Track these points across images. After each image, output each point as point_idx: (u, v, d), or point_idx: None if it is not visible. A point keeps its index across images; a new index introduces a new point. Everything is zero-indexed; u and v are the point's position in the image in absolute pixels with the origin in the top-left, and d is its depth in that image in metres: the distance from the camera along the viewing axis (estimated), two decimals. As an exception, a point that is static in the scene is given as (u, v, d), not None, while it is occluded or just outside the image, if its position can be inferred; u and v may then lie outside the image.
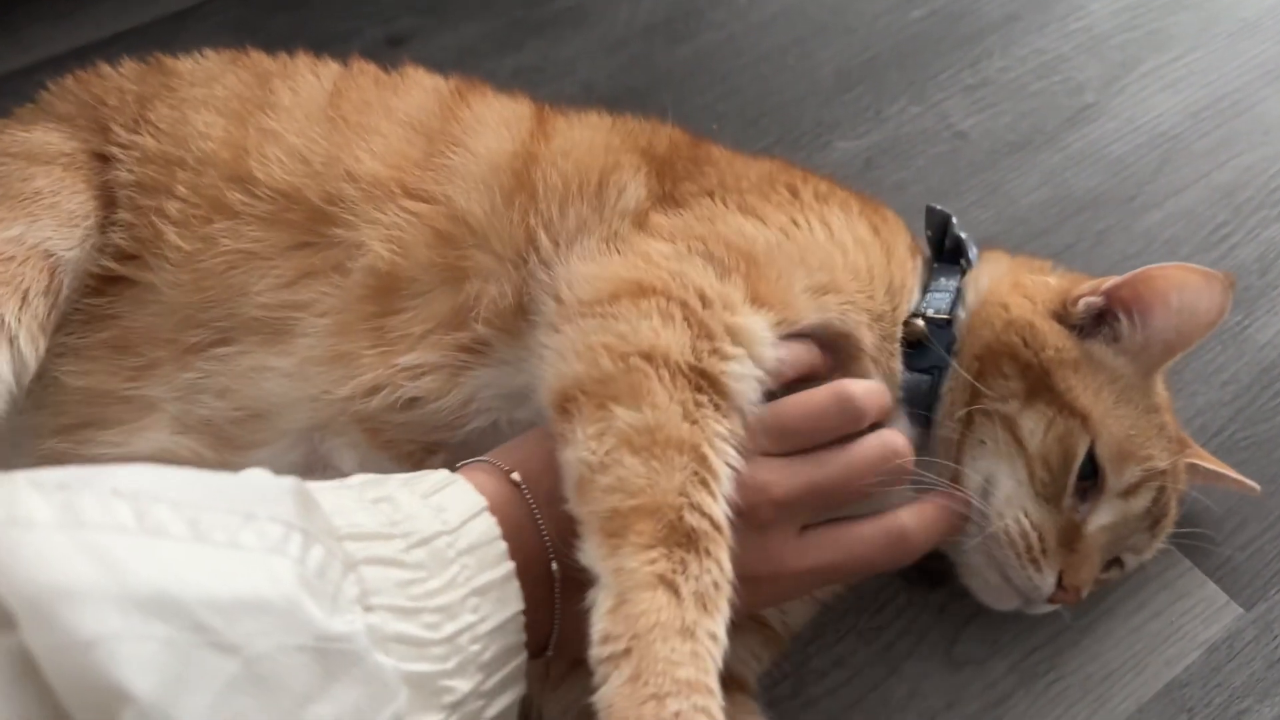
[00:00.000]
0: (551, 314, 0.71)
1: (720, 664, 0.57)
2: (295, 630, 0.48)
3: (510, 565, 0.60)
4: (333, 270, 0.77)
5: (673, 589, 0.57)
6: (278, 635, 0.47)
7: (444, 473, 0.64)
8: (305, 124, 0.83)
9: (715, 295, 0.69)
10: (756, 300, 0.71)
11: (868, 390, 0.73)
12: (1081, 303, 0.80)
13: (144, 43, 1.32)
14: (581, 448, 0.62)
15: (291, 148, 0.81)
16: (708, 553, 0.59)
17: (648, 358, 0.65)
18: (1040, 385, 0.76)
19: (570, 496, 0.62)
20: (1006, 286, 0.83)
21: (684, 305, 0.68)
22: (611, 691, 0.54)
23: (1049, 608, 0.79)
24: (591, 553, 0.59)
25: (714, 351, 0.67)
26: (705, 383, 0.66)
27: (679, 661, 0.54)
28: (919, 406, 0.79)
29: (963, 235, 0.86)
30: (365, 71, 0.91)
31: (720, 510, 0.62)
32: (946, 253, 0.86)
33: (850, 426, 0.72)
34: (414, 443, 0.76)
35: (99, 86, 0.90)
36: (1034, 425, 0.75)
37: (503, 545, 0.60)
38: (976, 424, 0.77)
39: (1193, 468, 0.86)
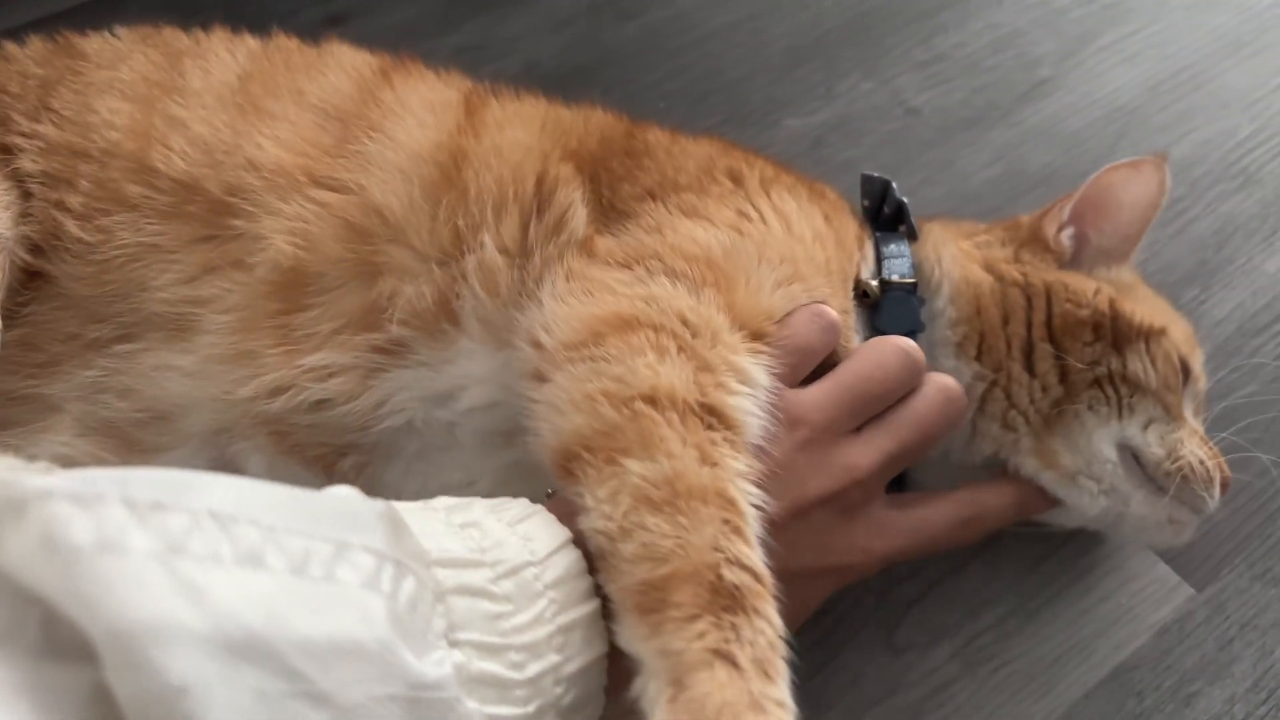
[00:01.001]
0: (533, 361, 0.66)
1: None
2: (388, 678, 0.45)
3: (596, 603, 0.55)
4: (234, 265, 0.73)
5: (731, 661, 0.51)
6: (370, 684, 0.44)
7: (525, 502, 0.59)
8: (213, 110, 0.79)
9: (699, 320, 0.65)
10: (737, 319, 0.67)
11: (909, 341, 0.73)
12: (1062, 238, 0.84)
13: (75, 27, 1.29)
14: (595, 515, 0.56)
15: (196, 136, 0.77)
16: (756, 611, 0.53)
17: (651, 400, 0.59)
18: (1116, 329, 0.79)
19: (597, 570, 0.56)
20: (996, 259, 0.84)
21: (674, 336, 0.64)
22: None
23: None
24: (630, 634, 0.53)
25: (719, 385, 0.62)
26: (716, 420, 0.61)
27: None
28: None
29: (902, 200, 0.84)
30: (282, 49, 0.86)
31: (758, 558, 0.56)
32: (886, 219, 0.84)
33: (916, 379, 0.72)
34: (323, 445, 0.72)
35: (2, 71, 0.84)
36: (1140, 363, 0.78)
37: (589, 580, 0.55)
38: (1079, 398, 0.79)
39: None
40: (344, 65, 0.85)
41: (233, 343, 0.72)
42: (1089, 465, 0.79)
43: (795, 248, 0.74)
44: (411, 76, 0.86)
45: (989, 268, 0.83)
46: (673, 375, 0.61)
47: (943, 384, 0.74)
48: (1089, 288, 0.81)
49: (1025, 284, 0.81)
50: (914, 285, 0.80)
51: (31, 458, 0.69)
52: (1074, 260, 0.85)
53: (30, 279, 0.77)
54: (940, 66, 1.26)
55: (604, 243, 0.74)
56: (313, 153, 0.76)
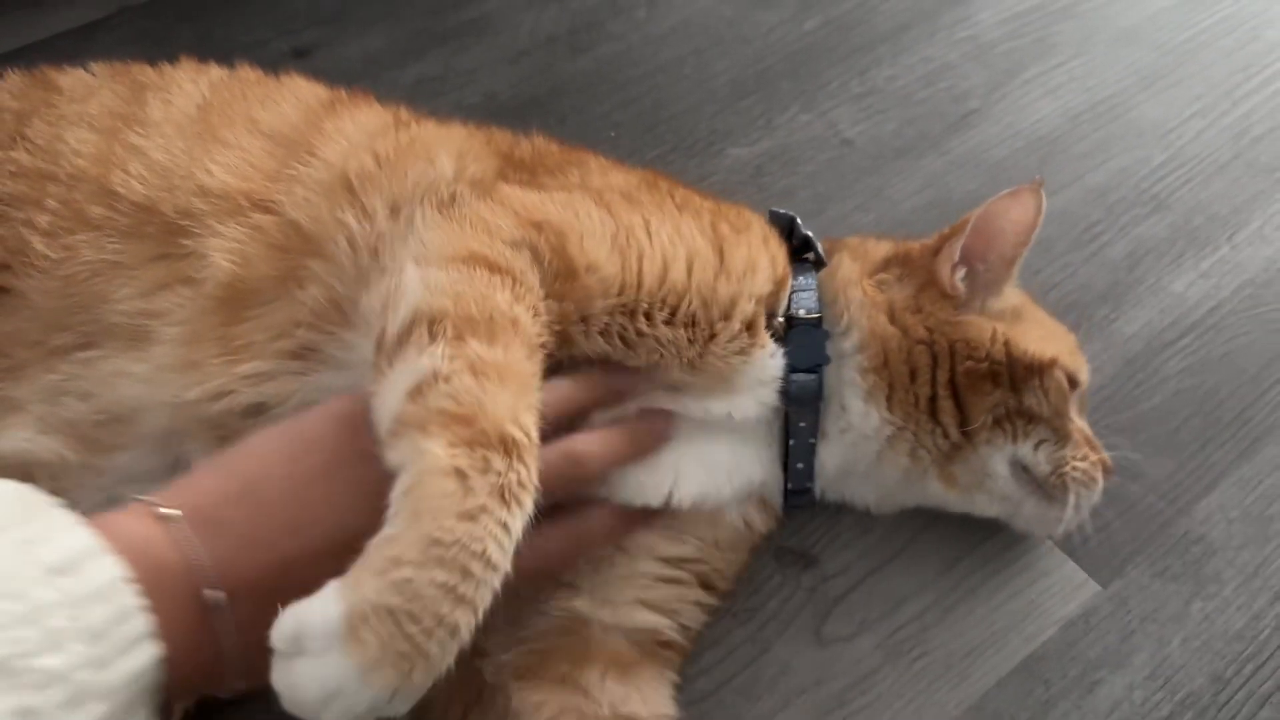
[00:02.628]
0: (413, 254, 0.73)
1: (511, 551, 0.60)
2: None
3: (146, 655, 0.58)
4: (183, 282, 0.79)
5: (464, 479, 0.59)
6: None
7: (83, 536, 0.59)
8: (171, 138, 0.85)
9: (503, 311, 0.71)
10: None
11: (599, 444, 0.76)
12: (957, 278, 0.89)
13: (50, 57, 1.33)
14: (433, 359, 0.64)
15: (154, 163, 0.83)
16: (519, 459, 0.62)
17: (505, 319, 0.69)
18: (1013, 373, 0.87)
19: (399, 403, 0.64)
20: (856, 273, 0.90)
21: (515, 287, 0.72)
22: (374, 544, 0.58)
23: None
24: (405, 446, 0.61)
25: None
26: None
27: (460, 525, 0.58)
28: (807, 405, 0.85)
29: (808, 234, 0.90)
30: (242, 80, 0.93)
31: (534, 432, 0.65)
32: (796, 250, 0.90)
33: (580, 487, 0.76)
34: None
35: None
36: (1035, 398, 0.87)
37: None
38: (978, 437, 0.87)
39: None
40: (297, 96, 0.92)
41: (183, 353, 0.78)
42: (984, 482, 0.89)
43: (652, 273, 0.78)
44: (358, 108, 0.92)
45: (894, 318, 0.88)
46: (519, 309, 0.70)
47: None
48: (985, 336, 0.87)
49: (930, 341, 0.87)
50: (819, 320, 0.86)
51: None
52: (967, 296, 0.89)
53: None
54: (874, 99, 1.34)
55: (510, 190, 0.81)
56: (255, 178, 0.83)
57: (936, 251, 0.91)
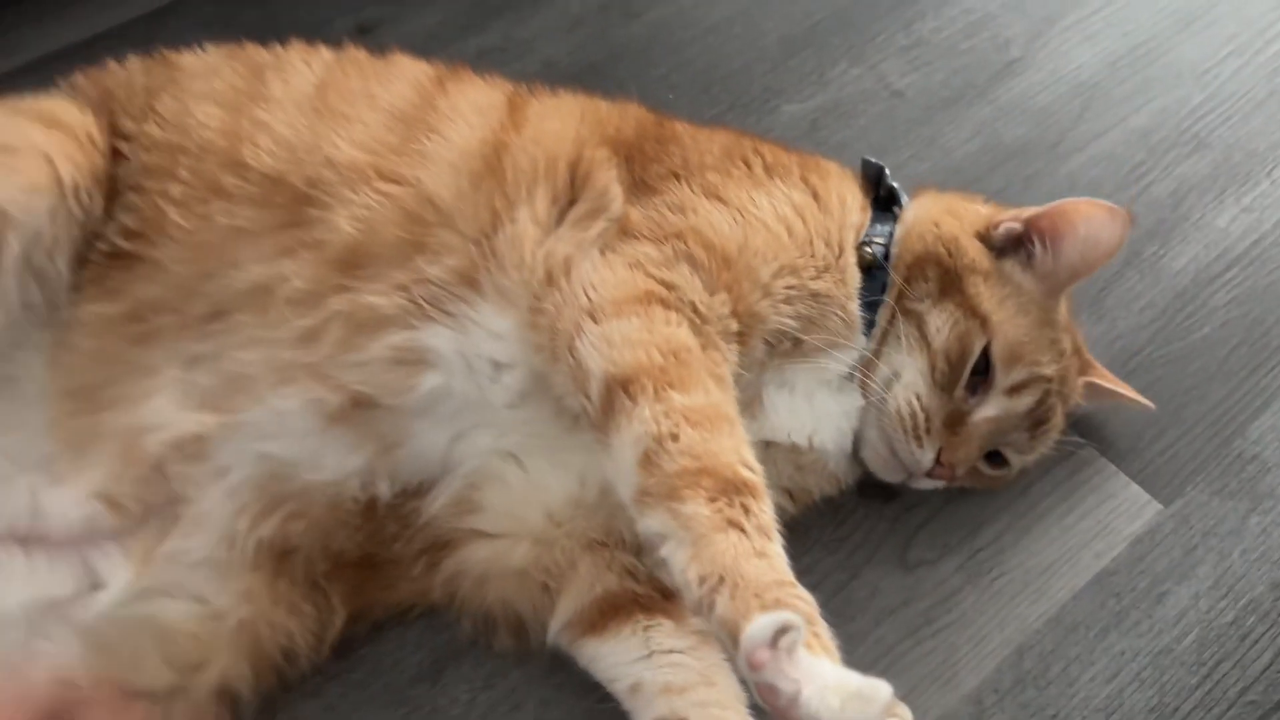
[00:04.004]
0: (577, 308, 0.81)
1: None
2: None
3: None
4: (306, 246, 0.85)
5: (740, 529, 0.69)
6: None
7: None
8: (293, 114, 0.91)
9: (709, 312, 0.82)
10: (736, 315, 0.84)
11: None
12: (1002, 227, 0.93)
13: (124, 42, 1.38)
14: (650, 423, 0.73)
15: (280, 136, 0.89)
16: (757, 496, 0.72)
17: (686, 352, 0.78)
18: (952, 288, 0.90)
19: (636, 473, 0.73)
20: (939, 210, 0.95)
21: (689, 317, 0.81)
22: (722, 611, 0.66)
23: (930, 483, 0.93)
24: (660, 516, 0.71)
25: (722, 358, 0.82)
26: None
27: (763, 572, 0.68)
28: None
29: (895, 185, 0.96)
30: (354, 60, 0.98)
31: (758, 467, 0.75)
32: (881, 200, 0.96)
33: None
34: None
35: (109, 80, 0.97)
36: (940, 323, 0.90)
37: None
38: (895, 324, 0.91)
39: (1093, 387, 0.98)
40: (406, 75, 0.97)
41: (301, 306, 0.84)
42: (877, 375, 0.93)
43: (782, 234, 0.87)
44: (462, 83, 0.98)
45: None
46: (693, 341, 0.80)
47: None
48: (970, 251, 0.92)
49: (940, 233, 0.93)
50: (885, 258, 0.93)
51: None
52: (1007, 255, 0.92)
53: (121, 260, 0.88)
54: (920, 50, 1.39)
55: (635, 214, 0.88)
56: (381, 151, 0.88)
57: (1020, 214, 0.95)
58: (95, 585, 0.85)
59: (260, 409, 0.85)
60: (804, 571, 0.94)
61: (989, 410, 0.90)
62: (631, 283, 0.81)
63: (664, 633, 0.86)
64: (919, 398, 0.89)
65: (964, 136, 1.30)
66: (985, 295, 0.89)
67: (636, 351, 0.77)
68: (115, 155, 0.92)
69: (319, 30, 1.39)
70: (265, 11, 1.43)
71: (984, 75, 1.36)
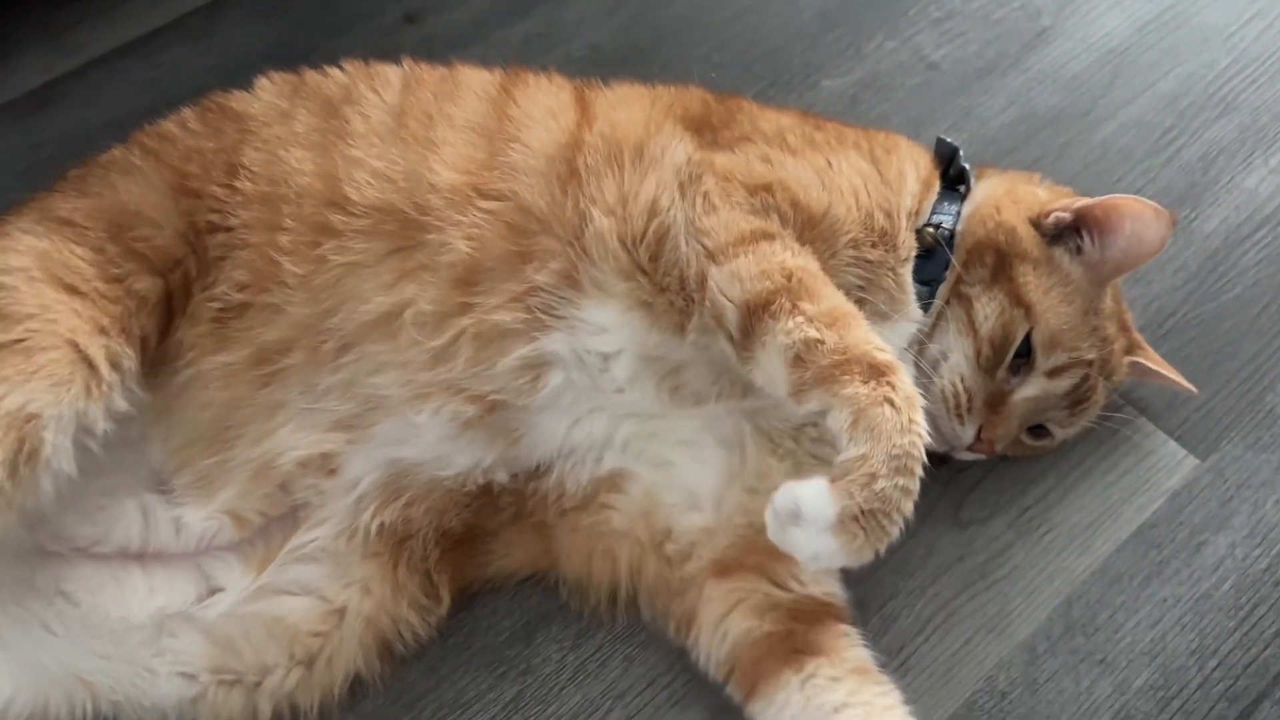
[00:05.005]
0: (701, 253, 0.89)
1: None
2: None
3: None
4: (423, 269, 0.90)
5: (892, 404, 0.80)
6: None
7: None
8: (382, 146, 0.95)
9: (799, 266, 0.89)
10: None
11: None
12: (1053, 216, 0.98)
13: (183, 35, 1.44)
14: (796, 332, 0.83)
15: (376, 169, 0.93)
16: (897, 373, 0.82)
17: (802, 271, 0.87)
18: (1003, 275, 0.96)
19: (787, 373, 0.84)
20: (1002, 194, 1.00)
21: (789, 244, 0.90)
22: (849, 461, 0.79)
23: (972, 455, 0.99)
24: (822, 395, 0.82)
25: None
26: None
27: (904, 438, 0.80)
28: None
29: (966, 166, 1.02)
30: (420, 81, 1.01)
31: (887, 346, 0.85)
32: (951, 179, 1.01)
33: None
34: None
35: (175, 156, 0.97)
36: (988, 311, 0.96)
37: None
38: (948, 308, 0.97)
39: (1138, 366, 1.04)
40: (474, 88, 1.00)
41: (428, 330, 0.90)
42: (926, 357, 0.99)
43: (854, 209, 0.94)
44: (528, 88, 1.02)
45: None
46: (803, 261, 0.89)
47: None
48: (1023, 239, 0.97)
49: (1001, 220, 0.98)
50: (950, 236, 0.98)
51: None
52: (1057, 243, 0.97)
53: (235, 311, 0.92)
54: (953, 22, 1.43)
55: (724, 159, 0.94)
56: (474, 169, 0.93)
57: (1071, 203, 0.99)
58: (213, 590, 0.93)
59: (393, 422, 0.92)
60: (864, 532, 1.02)
61: (1029, 390, 0.96)
62: (736, 226, 0.90)
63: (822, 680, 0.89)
64: (963, 379, 0.96)
65: (999, 106, 1.34)
66: (1032, 284, 0.95)
67: (762, 281, 0.86)
68: (211, 228, 0.94)
69: (369, 19, 1.46)
70: (314, 1, 1.48)
71: (1016, 45, 1.40)
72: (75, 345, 0.85)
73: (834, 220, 0.92)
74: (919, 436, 0.80)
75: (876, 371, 0.81)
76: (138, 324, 0.90)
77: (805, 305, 0.84)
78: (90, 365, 0.85)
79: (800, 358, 0.83)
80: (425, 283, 0.90)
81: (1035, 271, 0.96)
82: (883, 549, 0.80)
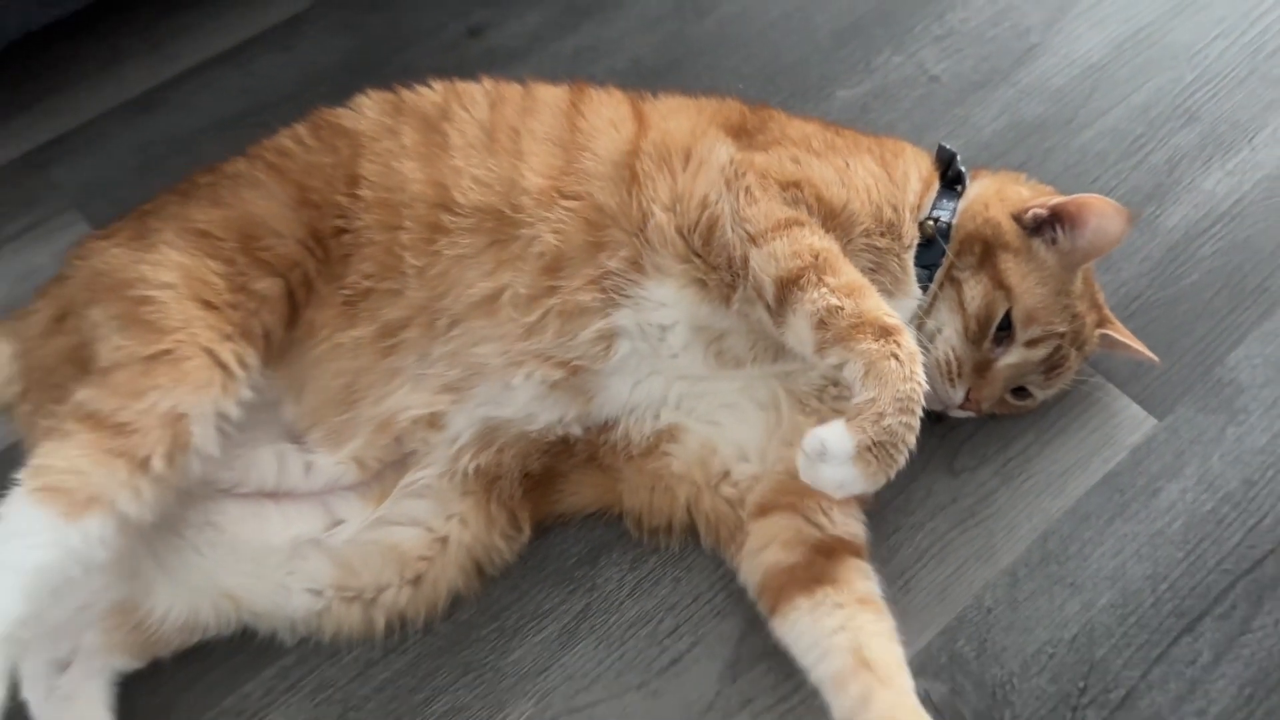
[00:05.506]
0: (744, 238, 1.07)
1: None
2: None
3: None
4: (516, 259, 1.09)
5: (896, 358, 0.98)
6: None
7: None
8: (478, 157, 1.12)
9: (823, 245, 1.07)
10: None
11: None
12: (1031, 212, 1.16)
13: (269, 47, 1.63)
14: (820, 301, 1.01)
15: (476, 176, 1.11)
16: (903, 333, 1.00)
17: (826, 253, 1.04)
18: (988, 262, 1.14)
19: (813, 334, 1.01)
20: (991, 193, 1.18)
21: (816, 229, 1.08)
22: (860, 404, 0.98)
23: (962, 413, 1.18)
24: (839, 352, 1.00)
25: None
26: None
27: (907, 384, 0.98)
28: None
29: (963, 169, 1.20)
30: (504, 100, 1.19)
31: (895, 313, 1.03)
32: (950, 180, 1.19)
33: None
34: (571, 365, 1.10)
35: (295, 171, 1.14)
36: (974, 292, 1.13)
37: None
38: (943, 289, 1.15)
39: (1107, 338, 1.21)
40: (548, 104, 1.18)
41: (523, 308, 1.08)
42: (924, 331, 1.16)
43: (867, 204, 1.12)
44: (592, 102, 1.19)
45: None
46: (828, 242, 1.07)
47: None
48: (1006, 231, 1.14)
49: (988, 216, 1.15)
50: (947, 230, 1.16)
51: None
52: (1036, 234, 1.14)
53: (364, 295, 1.10)
54: (952, 39, 1.62)
55: (761, 158, 1.12)
56: (555, 174, 1.11)
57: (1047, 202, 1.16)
58: (337, 521, 1.11)
59: (491, 385, 1.10)
60: (873, 477, 1.21)
61: (1010, 359, 1.14)
62: (773, 214, 1.07)
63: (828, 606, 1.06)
64: (954, 349, 1.13)
65: (991, 115, 1.53)
66: (1012, 270, 1.13)
67: (794, 260, 1.03)
68: (336, 232, 1.12)
69: (435, 34, 1.65)
70: (388, 17, 1.66)
71: (1007, 61, 1.59)
72: (210, 352, 1.03)
73: (851, 213, 1.10)
74: (918, 384, 0.98)
75: (885, 332, 0.99)
76: (259, 322, 1.08)
77: (828, 279, 1.02)
78: (224, 368, 1.03)
79: (824, 321, 1.00)
80: (519, 270, 1.08)
81: (1015, 259, 1.13)
82: (893, 474, 0.98)
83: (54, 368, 1.08)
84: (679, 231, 1.09)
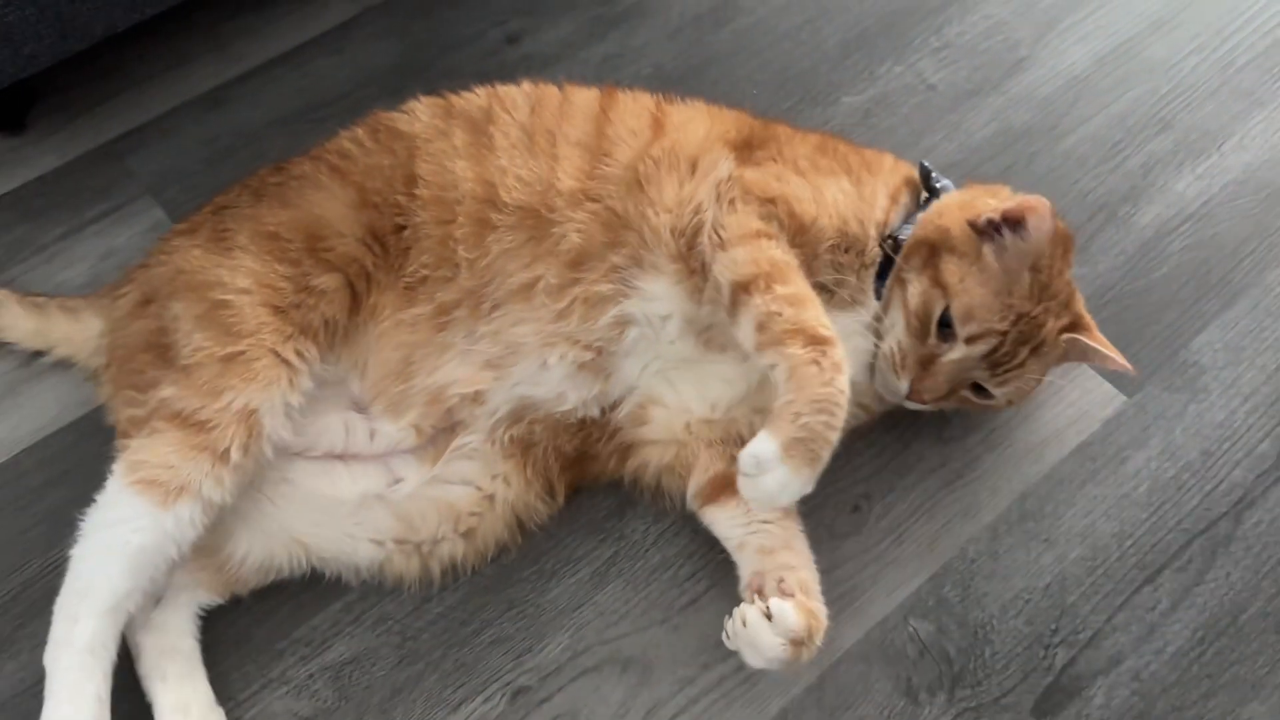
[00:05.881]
0: (715, 242, 1.17)
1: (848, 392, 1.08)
2: None
3: None
4: (548, 253, 1.21)
5: (818, 364, 1.07)
6: None
7: None
8: (522, 158, 1.25)
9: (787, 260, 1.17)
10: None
11: None
12: (983, 217, 1.22)
13: (323, 50, 1.77)
14: (765, 307, 1.11)
15: (519, 176, 1.22)
16: (832, 344, 1.09)
17: (783, 265, 1.15)
18: (930, 264, 1.20)
19: (754, 335, 1.11)
20: (952, 203, 1.26)
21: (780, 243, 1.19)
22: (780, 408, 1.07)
23: (915, 406, 1.23)
24: (769, 355, 1.09)
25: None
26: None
27: (824, 389, 1.06)
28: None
29: (939, 184, 1.30)
30: (543, 104, 1.30)
31: (830, 325, 1.11)
32: (930, 193, 1.30)
33: None
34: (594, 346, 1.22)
35: (355, 174, 1.25)
36: (915, 291, 1.19)
37: None
38: (894, 291, 1.23)
39: (1074, 343, 1.22)
40: (583, 108, 1.30)
41: (553, 296, 1.21)
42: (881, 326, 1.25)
43: (835, 221, 1.22)
44: (619, 108, 1.31)
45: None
46: (787, 256, 1.16)
47: None
48: (955, 235, 1.19)
49: (940, 223, 1.22)
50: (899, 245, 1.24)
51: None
52: (987, 238, 1.18)
53: (422, 281, 1.23)
54: (948, 51, 1.76)
55: (751, 174, 1.23)
56: (583, 178, 1.24)
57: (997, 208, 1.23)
58: (396, 480, 1.24)
59: (527, 364, 1.22)
60: (871, 443, 1.36)
61: (953, 354, 1.18)
62: (745, 225, 1.17)
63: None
64: (899, 343, 1.20)
65: (982, 122, 1.68)
66: (951, 270, 1.18)
67: (750, 266, 1.13)
68: (396, 229, 1.23)
69: (475, 41, 1.79)
70: (429, 24, 1.80)
71: (998, 71, 1.74)
72: (276, 353, 1.16)
73: (819, 228, 1.20)
74: (838, 390, 1.06)
75: (815, 341, 1.08)
76: (319, 315, 1.20)
77: (777, 287, 1.11)
78: (287, 364, 1.16)
79: (763, 324, 1.10)
80: (550, 263, 1.21)
81: (958, 261, 1.18)
82: (818, 470, 1.06)
83: (135, 349, 1.21)
84: (671, 232, 1.20)
